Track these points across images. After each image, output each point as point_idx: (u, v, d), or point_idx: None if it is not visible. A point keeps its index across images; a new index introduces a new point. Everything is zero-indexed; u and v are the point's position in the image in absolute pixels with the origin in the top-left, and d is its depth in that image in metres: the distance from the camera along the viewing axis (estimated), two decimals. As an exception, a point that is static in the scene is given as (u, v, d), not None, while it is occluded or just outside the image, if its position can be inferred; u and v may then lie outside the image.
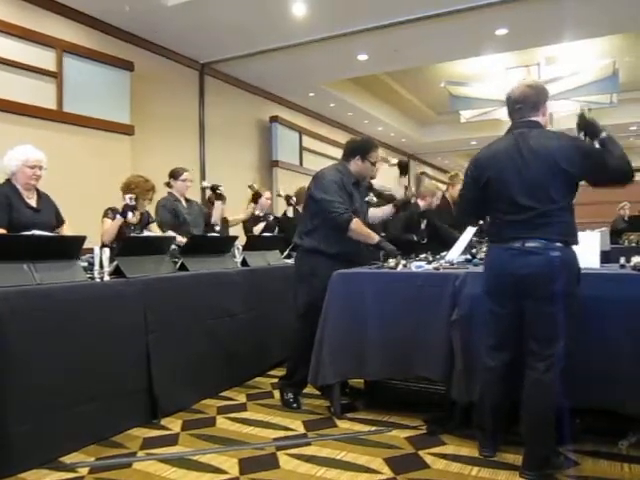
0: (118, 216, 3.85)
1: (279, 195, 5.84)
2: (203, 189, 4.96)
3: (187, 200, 4.74)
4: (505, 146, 2.46)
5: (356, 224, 3.22)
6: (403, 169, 4.54)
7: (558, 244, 2.32)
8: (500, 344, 2.47)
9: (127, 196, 3.85)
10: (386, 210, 3.78)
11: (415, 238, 4.60)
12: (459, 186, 5.03)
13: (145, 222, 4.07)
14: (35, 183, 3.46)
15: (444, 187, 5.39)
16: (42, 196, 3.54)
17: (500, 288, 2.44)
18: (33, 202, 3.45)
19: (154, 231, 4.13)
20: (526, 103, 2.46)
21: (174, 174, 4.68)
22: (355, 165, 3.39)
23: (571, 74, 8.91)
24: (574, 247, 2.37)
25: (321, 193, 3.24)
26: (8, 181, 3.40)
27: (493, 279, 2.48)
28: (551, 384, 2.29)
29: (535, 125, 2.45)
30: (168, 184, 4.67)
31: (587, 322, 2.45)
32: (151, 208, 4.36)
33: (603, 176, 2.34)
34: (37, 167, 3.42)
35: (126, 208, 3.82)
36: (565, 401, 2.31)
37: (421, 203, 4.85)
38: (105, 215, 3.94)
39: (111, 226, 3.87)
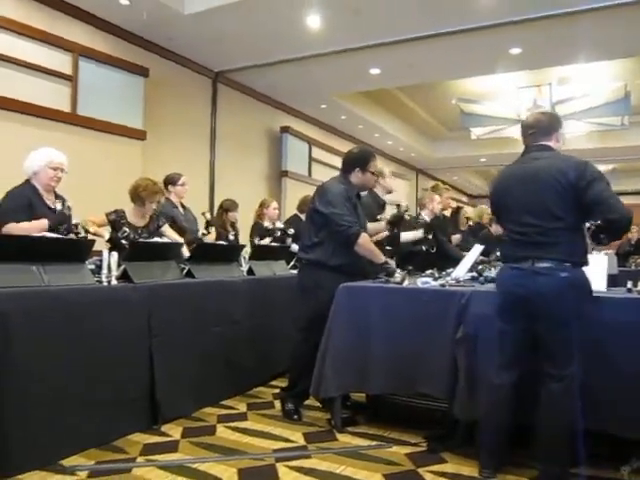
0: (107, 232, 3.84)
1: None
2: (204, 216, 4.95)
3: (183, 207, 4.76)
4: (517, 169, 2.56)
5: (364, 239, 3.22)
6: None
7: (567, 264, 2.33)
8: (509, 363, 2.47)
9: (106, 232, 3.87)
10: (378, 227, 3.80)
11: (424, 248, 4.61)
12: (446, 195, 5.12)
13: (155, 226, 4.08)
14: (55, 185, 3.49)
15: (452, 202, 5.39)
16: (59, 198, 3.58)
17: (510, 307, 2.47)
18: (51, 203, 3.49)
19: (167, 233, 4.12)
20: (539, 128, 2.54)
21: (171, 180, 4.70)
22: (356, 177, 3.39)
23: (583, 95, 8.92)
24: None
25: (329, 207, 3.23)
26: (27, 182, 3.43)
27: (503, 298, 2.52)
28: (567, 404, 2.31)
29: (546, 148, 2.51)
30: (163, 192, 4.66)
31: (594, 344, 2.44)
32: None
33: (595, 213, 2.33)
34: (59, 169, 3.47)
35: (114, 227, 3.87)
36: (579, 422, 2.32)
37: (424, 213, 4.86)
38: (109, 214, 3.89)
39: (93, 229, 3.74)
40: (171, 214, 4.54)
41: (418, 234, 4.30)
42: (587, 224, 2.40)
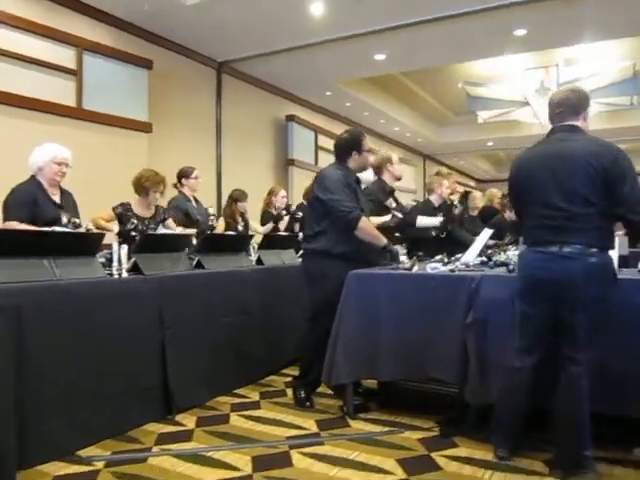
0: (115, 226, 3.88)
1: None
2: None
3: (196, 200, 4.77)
4: (543, 149, 2.48)
5: (364, 223, 3.21)
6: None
7: (594, 249, 2.31)
8: (529, 346, 2.46)
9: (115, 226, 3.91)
10: (383, 220, 3.80)
11: (434, 233, 4.60)
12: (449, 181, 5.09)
13: (160, 218, 4.10)
14: (60, 180, 3.51)
15: (458, 187, 5.36)
16: (64, 193, 3.59)
17: (534, 291, 2.43)
18: (57, 198, 3.50)
19: (171, 227, 4.15)
20: (567, 107, 2.46)
21: (184, 174, 4.72)
22: (354, 161, 3.38)
23: (590, 75, 8.82)
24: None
25: (327, 193, 3.22)
26: (33, 177, 3.45)
27: (527, 282, 2.47)
28: (586, 388, 2.31)
29: (575, 129, 2.45)
30: (176, 185, 4.70)
31: (615, 327, 2.43)
32: (162, 204, 4.37)
33: (620, 206, 2.31)
34: (64, 164, 3.49)
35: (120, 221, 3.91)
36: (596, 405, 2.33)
37: (433, 197, 4.85)
38: (115, 208, 3.93)
39: (102, 225, 3.84)
40: (184, 207, 4.56)
41: (435, 221, 4.25)
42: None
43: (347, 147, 3.38)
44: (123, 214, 3.91)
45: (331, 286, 3.18)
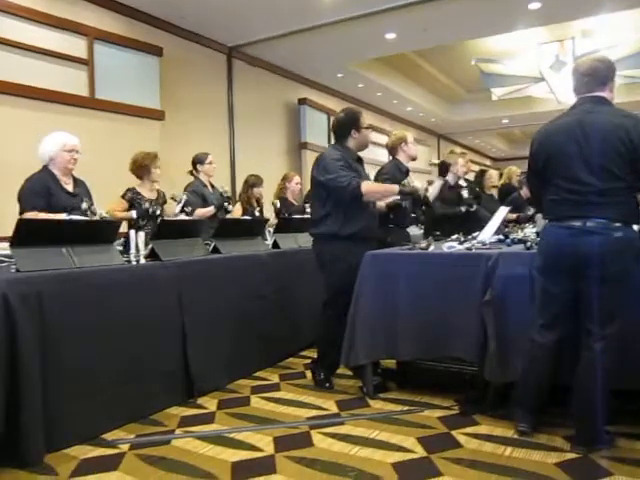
0: (133, 213, 3.97)
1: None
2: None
3: (212, 186, 4.79)
4: (568, 122, 2.41)
5: (366, 187, 3.17)
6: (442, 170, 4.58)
7: (618, 224, 2.27)
8: (552, 323, 2.44)
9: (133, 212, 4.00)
10: (393, 189, 3.69)
11: (462, 209, 4.58)
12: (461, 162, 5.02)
13: (162, 200, 4.22)
14: (72, 167, 3.55)
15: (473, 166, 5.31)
16: (77, 181, 3.63)
17: (557, 267, 2.40)
18: (70, 187, 3.54)
19: (167, 212, 4.22)
20: (595, 77, 2.38)
21: (199, 160, 4.72)
22: (353, 140, 3.35)
23: (607, 47, 8.61)
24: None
25: (325, 174, 3.20)
26: (45, 167, 3.48)
27: (550, 258, 2.44)
28: (607, 363, 2.29)
29: (601, 101, 2.38)
30: (192, 172, 4.72)
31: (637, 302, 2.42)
32: (166, 189, 4.42)
33: None
34: (74, 151, 3.52)
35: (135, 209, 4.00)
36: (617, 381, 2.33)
37: (448, 177, 4.82)
38: (124, 196, 4.02)
39: (117, 204, 3.98)
40: (202, 192, 4.59)
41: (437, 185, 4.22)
42: None
43: (345, 126, 3.36)
44: (133, 198, 4.02)
45: (343, 268, 3.18)
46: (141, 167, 4.05)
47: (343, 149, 3.34)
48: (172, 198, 4.13)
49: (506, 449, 2.42)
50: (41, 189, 3.36)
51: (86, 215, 3.29)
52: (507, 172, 6.27)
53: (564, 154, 2.36)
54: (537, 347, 2.47)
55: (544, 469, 2.22)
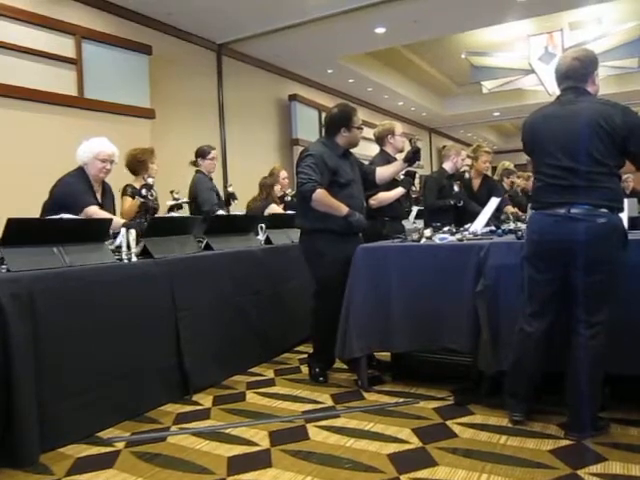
0: (138, 197, 3.93)
1: None
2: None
3: (211, 179, 4.78)
4: (550, 110, 2.46)
5: (318, 194, 3.10)
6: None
7: (603, 210, 2.28)
8: (540, 311, 2.45)
9: (147, 177, 3.96)
10: (397, 165, 3.66)
11: (452, 202, 4.54)
12: (484, 157, 4.96)
13: (156, 195, 4.19)
14: (104, 176, 3.54)
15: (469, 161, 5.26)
16: (106, 188, 3.64)
17: (542, 255, 2.41)
18: (99, 195, 3.54)
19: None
20: (574, 78, 2.41)
21: (202, 153, 4.68)
22: (342, 138, 3.32)
23: (596, 38, 8.65)
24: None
25: (298, 168, 3.22)
26: (80, 168, 3.48)
27: (535, 246, 2.45)
28: (598, 350, 2.31)
29: (582, 92, 2.41)
30: (194, 163, 4.68)
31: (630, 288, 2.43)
32: (158, 186, 4.39)
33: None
34: (108, 161, 3.50)
35: (145, 187, 3.93)
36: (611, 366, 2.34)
37: (447, 165, 4.79)
38: (124, 193, 4.01)
39: (131, 206, 3.94)
40: (212, 186, 4.61)
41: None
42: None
43: (336, 123, 3.32)
44: (134, 192, 3.98)
45: (329, 262, 3.18)
46: (139, 162, 4.03)
47: (330, 144, 3.32)
48: (173, 194, 4.17)
49: (501, 438, 2.43)
50: (88, 187, 3.39)
51: None
52: (499, 167, 6.28)
53: (547, 141, 2.40)
54: (525, 336, 2.48)
55: (539, 456, 2.23)
